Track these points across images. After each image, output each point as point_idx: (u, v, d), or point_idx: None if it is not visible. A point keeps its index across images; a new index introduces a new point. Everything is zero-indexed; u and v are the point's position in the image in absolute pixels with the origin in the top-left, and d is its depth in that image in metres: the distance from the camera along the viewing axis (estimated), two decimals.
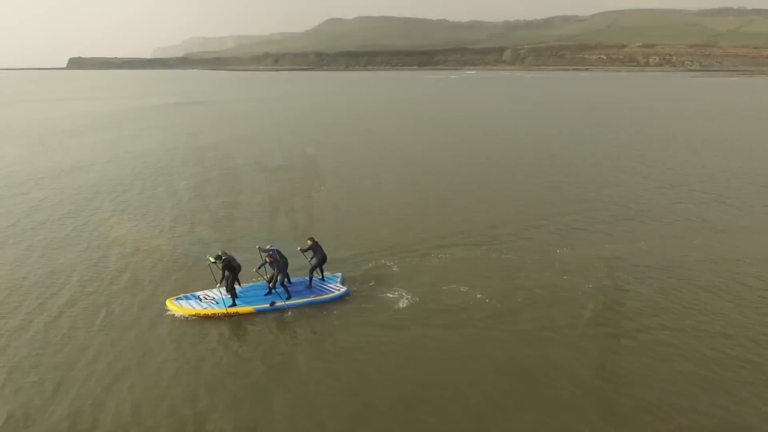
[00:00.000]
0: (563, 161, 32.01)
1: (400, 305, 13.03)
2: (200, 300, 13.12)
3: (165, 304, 13.05)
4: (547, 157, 33.54)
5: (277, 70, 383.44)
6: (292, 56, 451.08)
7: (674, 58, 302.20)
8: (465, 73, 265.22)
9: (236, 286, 13.41)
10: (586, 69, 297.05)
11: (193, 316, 12.60)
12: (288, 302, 13.10)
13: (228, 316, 12.62)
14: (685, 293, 13.68)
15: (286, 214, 21.18)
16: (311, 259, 14.02)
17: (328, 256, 14.19)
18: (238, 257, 13.49)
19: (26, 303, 13.42)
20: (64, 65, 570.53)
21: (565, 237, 18.15)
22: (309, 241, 14.04)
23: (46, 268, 15.66)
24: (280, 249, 13.58)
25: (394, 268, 15.31)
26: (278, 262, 13.04)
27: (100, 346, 11.42)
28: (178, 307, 12.79)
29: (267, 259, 13.03)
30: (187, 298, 13.25)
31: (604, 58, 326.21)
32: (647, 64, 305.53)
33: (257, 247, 13.79)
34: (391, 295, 13.53)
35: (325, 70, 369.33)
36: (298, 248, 14.24)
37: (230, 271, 12.90)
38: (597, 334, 11.69)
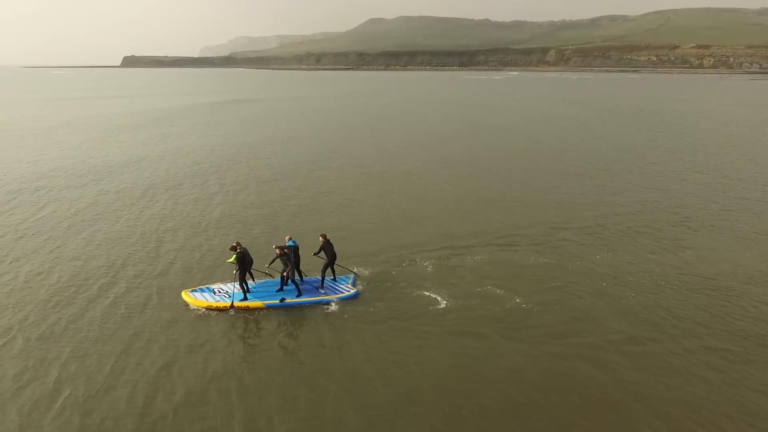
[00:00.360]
0: (607, 165, 31.17)
1: (436, 306, 13.16)
2: (214, 293, 13.55)
3: (181, 296, 13.57)
4: (590, 160, 32.73)
5: (318, 69, 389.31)
6: (333, 56, 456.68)
7: (731, 59, 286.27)
8: (508, 74, 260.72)
9: (250, 282, 13.78)
10: (634, 71, 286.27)
11: (205, 308, 13.03)
12: (297, 300, 13.26)
13: (238, 310, 12.98)
14: (735, 310, 13.06)
15: (328, 212, 21.68)
16: (320, 251, 13.96)
17: (364, 255, 14.28)
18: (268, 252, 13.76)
19: (85, 287, 14.41)
20: (119, 63, 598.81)
21: (607, 242, 17.81)
22: (321, 238, 14.00)
23: (102, 256, 16.72)
24: (299, 246, 13.81)
25: (429, 268, 15.47)
26: (289, 257, 13.15)
27: (151, 329, 12.17)
28: (193, 299, 13.27)
29: (277, 251, 13.10)
30: (201, 290, 13.74)
31: (654, 59, 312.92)
32: (701, 65, 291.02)
33: (274, 246, 13.74)
34: (427, 294, 13.71)
35: (366, 69, 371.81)
36: (312, 254, 14.12)
37: (241, 266, 13.09)
38: (637, 351, 11.27)
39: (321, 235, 14.09)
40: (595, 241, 17.91)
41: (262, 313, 13.03)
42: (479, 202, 22.98)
